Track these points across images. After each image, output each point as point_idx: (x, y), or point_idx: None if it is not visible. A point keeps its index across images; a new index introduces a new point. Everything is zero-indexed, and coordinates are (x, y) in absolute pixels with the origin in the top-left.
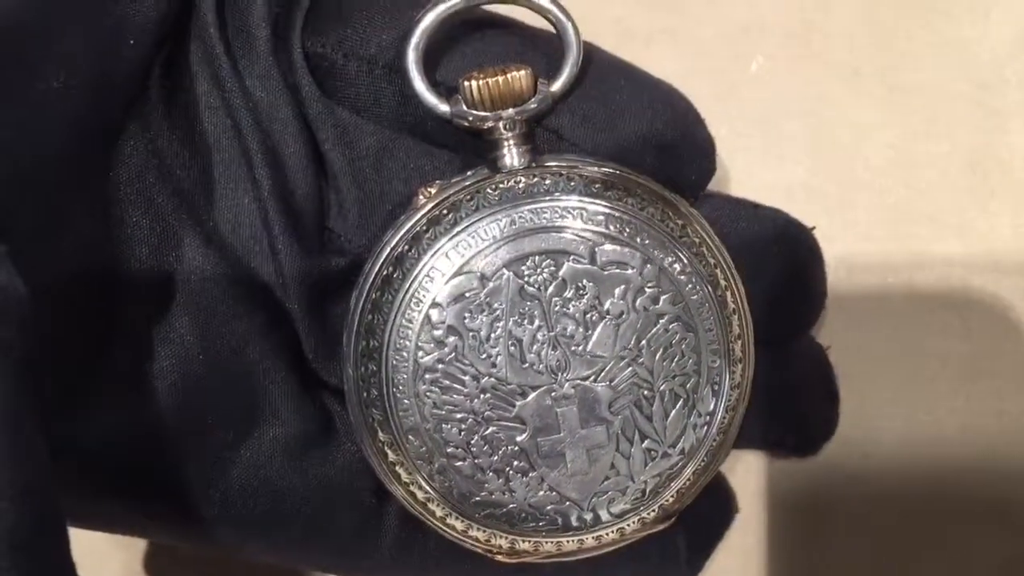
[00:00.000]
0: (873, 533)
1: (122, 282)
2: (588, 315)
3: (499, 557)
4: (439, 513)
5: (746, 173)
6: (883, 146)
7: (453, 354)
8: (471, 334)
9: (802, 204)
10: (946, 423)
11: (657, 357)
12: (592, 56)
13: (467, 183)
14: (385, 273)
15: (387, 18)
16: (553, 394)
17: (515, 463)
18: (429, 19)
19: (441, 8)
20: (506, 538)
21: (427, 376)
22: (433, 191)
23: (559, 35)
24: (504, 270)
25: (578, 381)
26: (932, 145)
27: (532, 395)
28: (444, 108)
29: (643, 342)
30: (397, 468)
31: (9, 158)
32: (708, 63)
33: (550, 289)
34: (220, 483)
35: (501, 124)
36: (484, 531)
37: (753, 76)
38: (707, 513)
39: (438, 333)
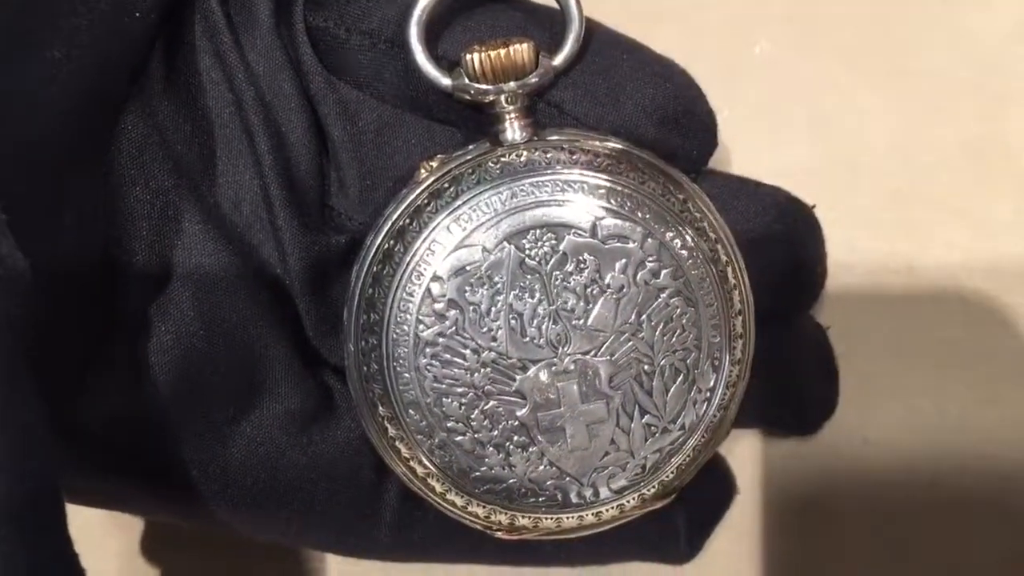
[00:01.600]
0: (872, 518)
1: (123, 258)
2: (589, 289)
3: (499, 534)
4: (439, 489)
5: (748, 157)
6: (885, 131)
7: (454, 328)
8: (472, 307)
9: (804, 188)
10: (946, 410)
11: (658, 332)
12: (594, 31)
13: (469, 157)
14: (386, 247)
15: None
16: (553, 368)
17: (515, 438)
18: None
19: None
20: (506, 514)
21: (428, 350)
22: (435, 165)
23: (561, 9)
24: (505, 243)
25: (578, 355)
26: (934, 131)
27: (532, 369)
28: (446, 82)
29: (643, 316)
30: (397, 443)
31: (8, 131)
32: (712, 45)
33: (551, 263)
34: (220, 459)
35: (503, 97)
36: (484, 507)
37: (757, 59)
38: (706, 493)
39: (439, 306)
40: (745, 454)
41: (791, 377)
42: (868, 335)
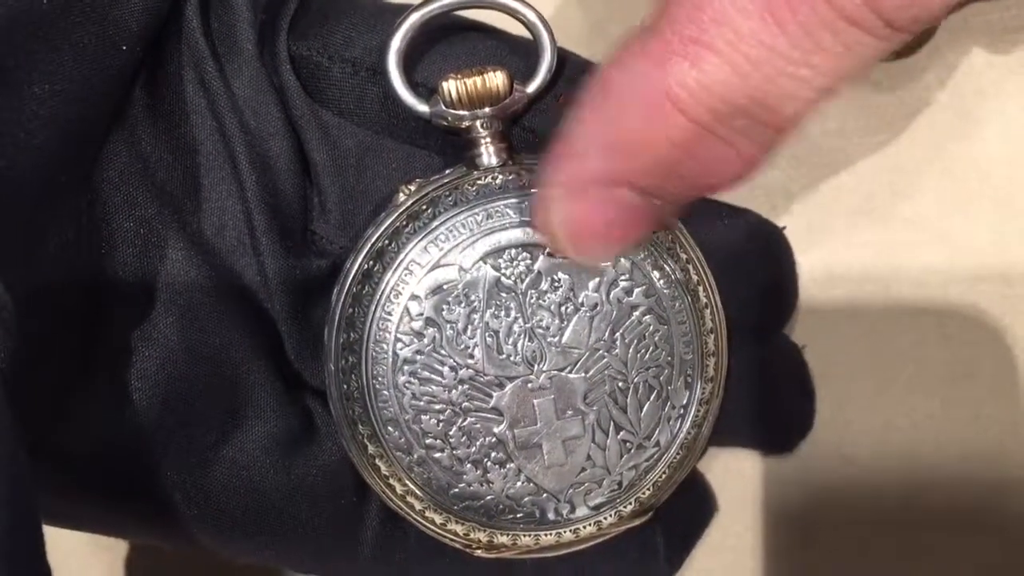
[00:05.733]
0: (850, 534)
1: (106, 285)
2: (563, 307)
3: (478, 552)
4: (418, 507)
5: None
6: (863, 152)
7: (431, 345)
8: (449, 326)
9: (782, 208)
10: (923, 428)
11: (631, 349)
12: (566, 60)
13: (446, 180)
14: (366, 267)
15: (371, 22)
16: (529, 385)
17: (492, 454)
18: (410, 22)
19: (422, 12)
20: (484, 532)
21: (406, 367)
22: (413, 188)
23: (534, 39)
24: (481, 263)
25: (554, 372)
26: (911, 152)
27: (509, 386)
28: (423, 108)
29: (617, 334)
30: (377, 461)
31: None
32: None
33: (526, 281)
34: (202, 482)
35: (478, 123)
36: (463, 524)
37: None
38: (685, 511)
39: (417, 325)
40: (724, 472)
41: (768, 395)
42: (846, 353)
